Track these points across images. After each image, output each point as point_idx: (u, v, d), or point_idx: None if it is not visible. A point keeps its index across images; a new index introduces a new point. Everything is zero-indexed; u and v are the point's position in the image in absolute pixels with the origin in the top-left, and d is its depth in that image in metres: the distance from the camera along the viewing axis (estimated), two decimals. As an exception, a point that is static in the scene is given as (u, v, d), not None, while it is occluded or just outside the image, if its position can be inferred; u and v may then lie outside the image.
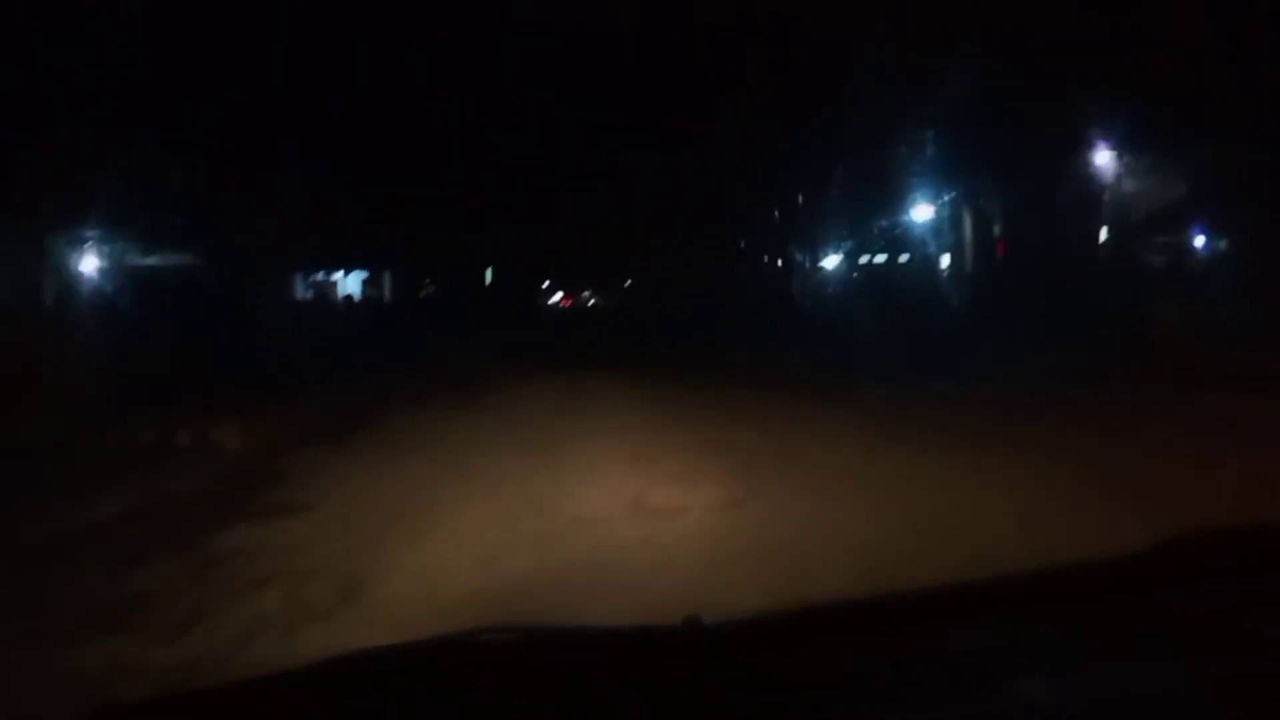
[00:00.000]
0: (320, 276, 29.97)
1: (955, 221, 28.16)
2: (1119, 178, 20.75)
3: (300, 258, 25.40)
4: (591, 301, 64.96)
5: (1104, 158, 20.53)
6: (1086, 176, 21.22)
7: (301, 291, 29.76)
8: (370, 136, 29.10)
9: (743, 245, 44.38)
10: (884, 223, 31.00)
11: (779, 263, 40.86)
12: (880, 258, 33.09)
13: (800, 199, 35.51)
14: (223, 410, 9.62)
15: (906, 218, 28.87)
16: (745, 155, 33.04)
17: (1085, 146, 20.45)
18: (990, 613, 1.36)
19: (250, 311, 16.23)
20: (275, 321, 16.28)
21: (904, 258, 31.69)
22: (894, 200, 28.32)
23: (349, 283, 30.81)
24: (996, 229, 26.64)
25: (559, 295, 68.18)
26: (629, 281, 63.11)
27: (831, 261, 35.68)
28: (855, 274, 33.32)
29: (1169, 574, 1.42)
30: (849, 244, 33.94)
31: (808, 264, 37.54)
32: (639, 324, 32.98)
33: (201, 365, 12.56)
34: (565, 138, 40.64)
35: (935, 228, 28.16)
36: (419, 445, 8.71)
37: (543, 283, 66.03)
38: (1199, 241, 19.15)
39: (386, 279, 33.45)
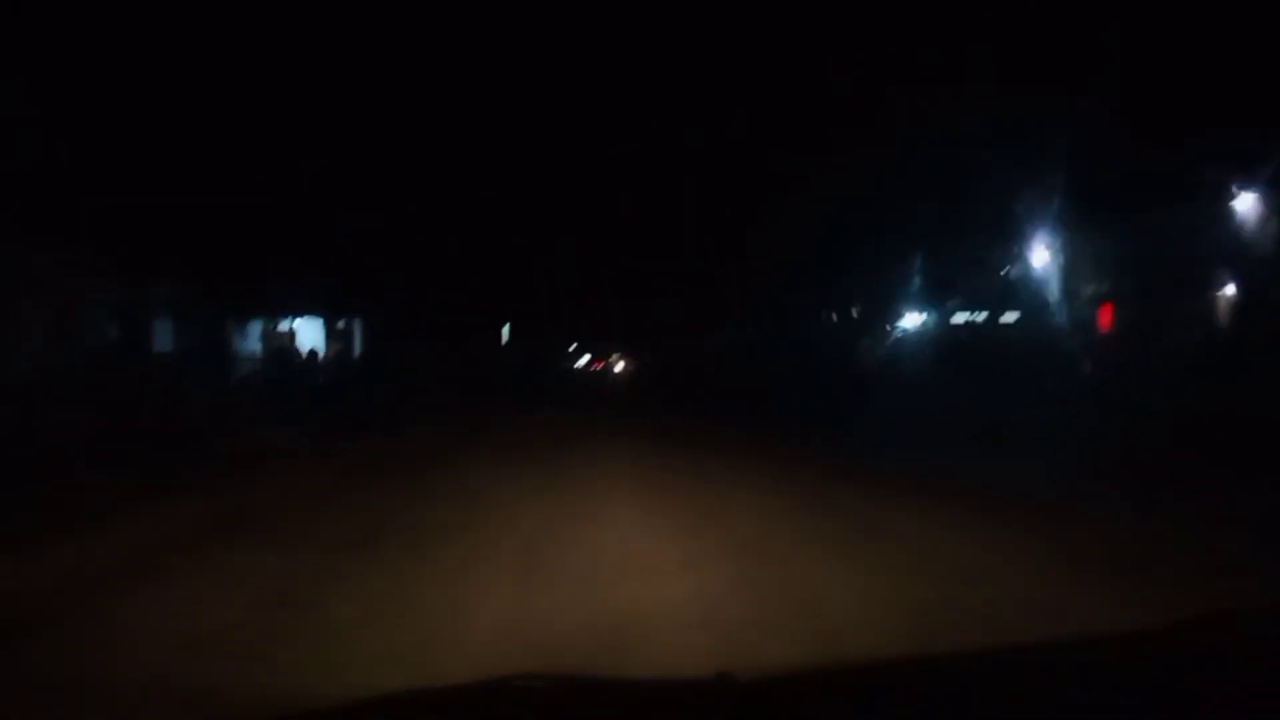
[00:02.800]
0: (268, 323, 23.55)
1: (1062, 276, 22.85)
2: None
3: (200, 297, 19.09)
4: (619, 366, 58.66)
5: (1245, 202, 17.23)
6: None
7: (254, 342, 23.57)
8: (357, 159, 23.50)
9: (799, 303, 38.09)
10: (983, 276, 25.17)
11: (845, 320, 34.74)
12: (980, 315, 26.59)
13: (872, 252, 29.40)
14: None
15: (1010, 271, 24.24)
16: (808, 209, 28.51)
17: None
18: (1032, 684, 1.32)
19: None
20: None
21: (1009, 316, 25.31)
22: (994, 253, 24.11)
23: (305, 333, 24.34)
24: (1094, 288, 22.15)
25: (587, 358, 61.76)
26: (667, 344, 57.06)
27: (912, 320, 29.25)
28: (946, 331, 27.08)
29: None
30: (937, 300, 27.86)
31: (879, 322, 31.18)
32: (675, 396, 26.13)
33: None
34: (609, 190, 35.69)
35: (1046, 282, 22.80)
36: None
37: (570, 344, 60.04)
38: None
39: (356, 328, 26.97)
